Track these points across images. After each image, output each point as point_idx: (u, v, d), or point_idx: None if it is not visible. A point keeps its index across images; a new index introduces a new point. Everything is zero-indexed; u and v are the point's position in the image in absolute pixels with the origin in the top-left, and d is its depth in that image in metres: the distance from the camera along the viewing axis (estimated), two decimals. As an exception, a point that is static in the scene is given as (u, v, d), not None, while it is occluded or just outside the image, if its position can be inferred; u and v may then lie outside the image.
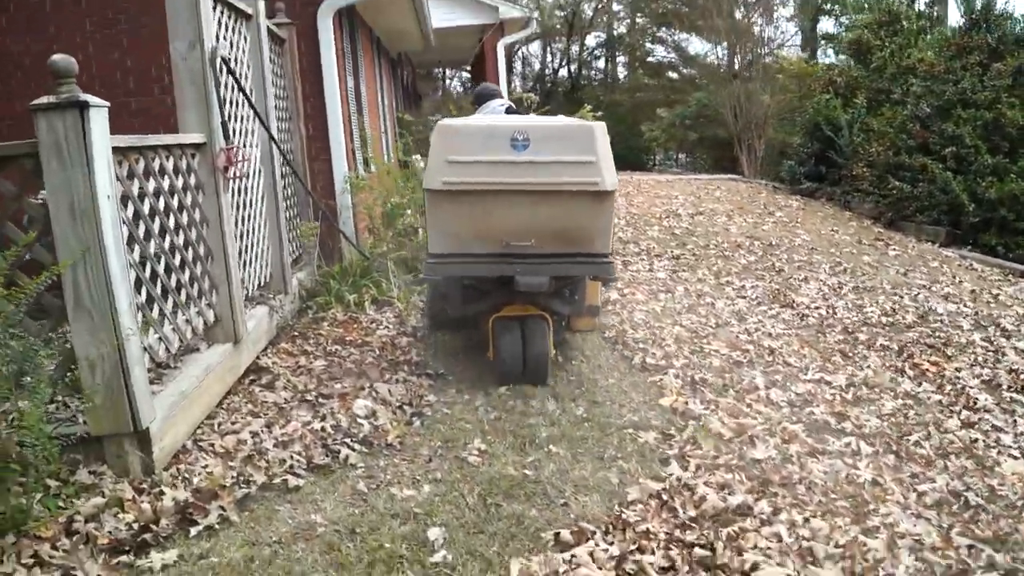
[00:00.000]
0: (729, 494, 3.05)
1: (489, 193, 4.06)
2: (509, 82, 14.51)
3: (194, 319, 4.01)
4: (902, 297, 6.62)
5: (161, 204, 3.72)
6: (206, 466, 3.18)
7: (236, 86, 4.62)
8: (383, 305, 5.96)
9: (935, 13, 12.60)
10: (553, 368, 4.57)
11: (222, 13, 4.66)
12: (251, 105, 4.80)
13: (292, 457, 3.28)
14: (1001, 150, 9.81)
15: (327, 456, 3.35)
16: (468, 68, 22.00)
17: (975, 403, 4.18)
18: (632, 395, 4.19)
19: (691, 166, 25.00)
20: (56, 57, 2.94)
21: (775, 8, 24.00)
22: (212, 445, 3.39)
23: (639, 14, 29.85)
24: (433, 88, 22.03)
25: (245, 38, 5.20)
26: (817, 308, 6.14)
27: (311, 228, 5.98)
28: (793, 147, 13.69)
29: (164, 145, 3.78)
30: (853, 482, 3.19)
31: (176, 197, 3.89)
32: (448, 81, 25.66)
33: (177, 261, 3.85)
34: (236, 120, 4.66)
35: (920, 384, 4.47)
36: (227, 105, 4.38)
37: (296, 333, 5.27)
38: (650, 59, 30.43)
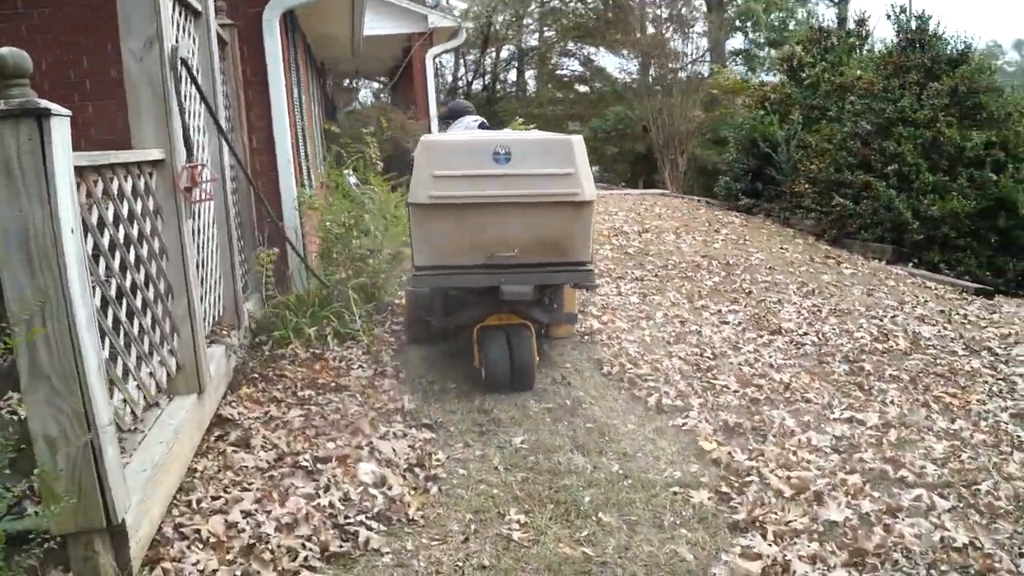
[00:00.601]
0: (828, 570, 2.66)
1: (474, 206, 4.21)
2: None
3: (157, 371, 3.37)
4: (882, 320, 6.48)
5: (121, 234, 3.09)
6: (197, 563, 2.57)
7: (197, 93, 3.99)
8: (346, 339, 5.38)
9: (864, 32, 12.81)
10: (564, 414, 4.13)
11: (174, 10, 4.02)
12: (212, 114, 4.16)
13: (303, 545, 2.70)
14: (940, 168, 9.95)
15: (343, 541, 2.78)
16: (383, 79, 21.41)
17: (1022, 442, 3.95)
18: (662, 444, 3.77)
19: (608, 180, 25.01)
20: (4, 51, 2.31)
21: (690, 24, 24.39)
22: (198, 532, 2.77)
23: (546, 27, 29.73)
24: (347, 100, 21.24)
25: (194, 39, 4.56)
26: (806, 334, 5.90)
27: (269, 255, 5.34)
28: (726, 163, 13.68)
29: (123, 163, 3.15)
30: (950, 547, 2.86)
31: (136, 225, 3.26)
32: (360, 91, 24.86)
33: (139, 302, 3.22)
34: (193, 132, 4.02)
35: (954, 421, 4.23)
36: (187, 116, 3.75)
37: (256, 374, 4.64)
38: (561, 72, 30.47)
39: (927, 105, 10.08)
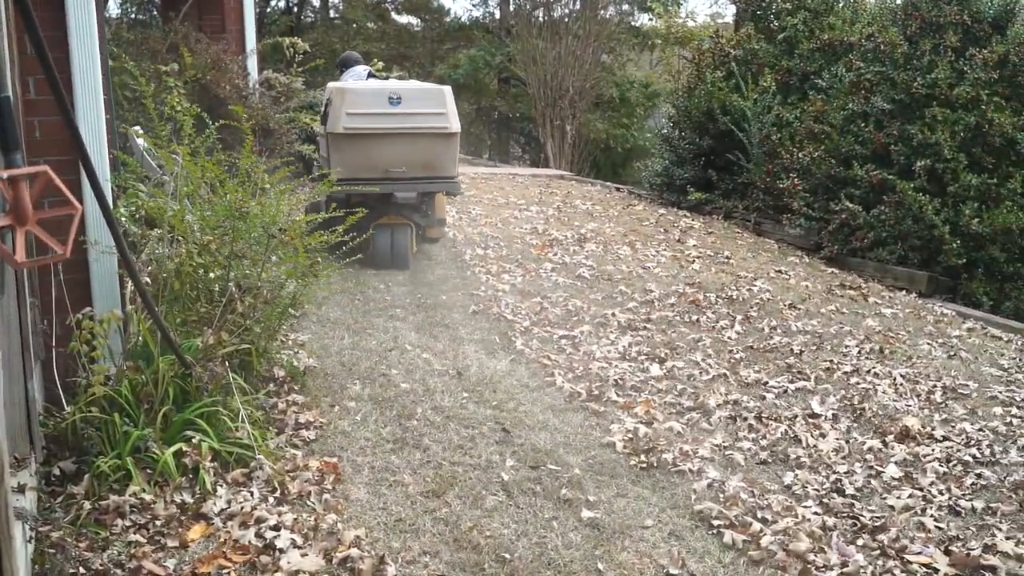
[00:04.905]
0: None
1: (375, 135, 7.41)
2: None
3: None
4: (1020, 407, 5.50)
5: None
6: None
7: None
8: (230, 465, 3.70)
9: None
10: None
11: None
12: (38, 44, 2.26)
13: None
14: (984, 165, 9.28)
15: None
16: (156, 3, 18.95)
17: None
18: None
19: (471, 151, 23.65)
20: None
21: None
22: None
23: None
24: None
25: None
26: (947, 441, 4.77)
27: (108, 319, 3.50)
28: (664, 140, 12.67)
29: None
30: None
31: None
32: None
33: None
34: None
35: None
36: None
37: (82, 568, 2.86)
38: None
39: (968, 79, 9.39)
